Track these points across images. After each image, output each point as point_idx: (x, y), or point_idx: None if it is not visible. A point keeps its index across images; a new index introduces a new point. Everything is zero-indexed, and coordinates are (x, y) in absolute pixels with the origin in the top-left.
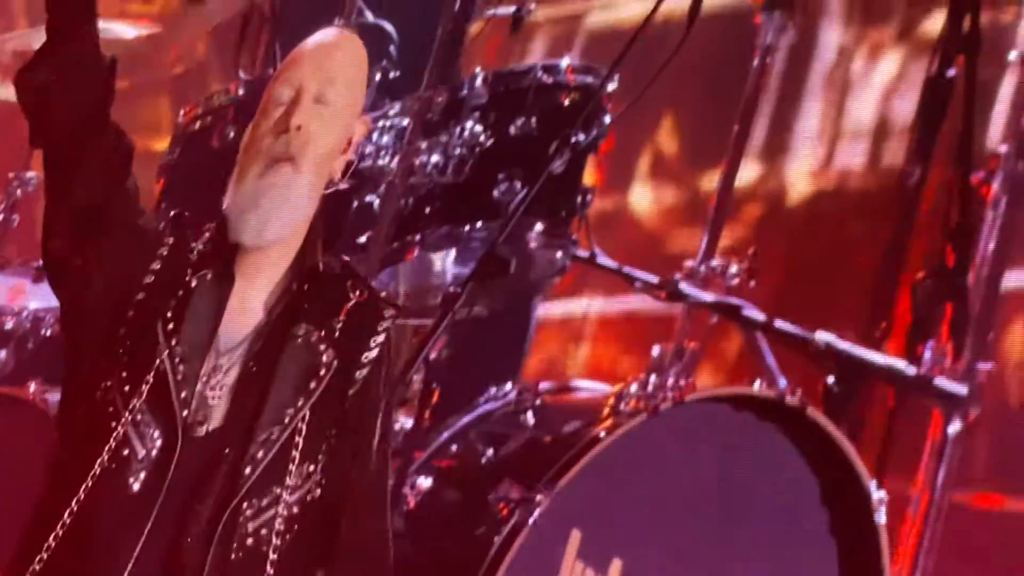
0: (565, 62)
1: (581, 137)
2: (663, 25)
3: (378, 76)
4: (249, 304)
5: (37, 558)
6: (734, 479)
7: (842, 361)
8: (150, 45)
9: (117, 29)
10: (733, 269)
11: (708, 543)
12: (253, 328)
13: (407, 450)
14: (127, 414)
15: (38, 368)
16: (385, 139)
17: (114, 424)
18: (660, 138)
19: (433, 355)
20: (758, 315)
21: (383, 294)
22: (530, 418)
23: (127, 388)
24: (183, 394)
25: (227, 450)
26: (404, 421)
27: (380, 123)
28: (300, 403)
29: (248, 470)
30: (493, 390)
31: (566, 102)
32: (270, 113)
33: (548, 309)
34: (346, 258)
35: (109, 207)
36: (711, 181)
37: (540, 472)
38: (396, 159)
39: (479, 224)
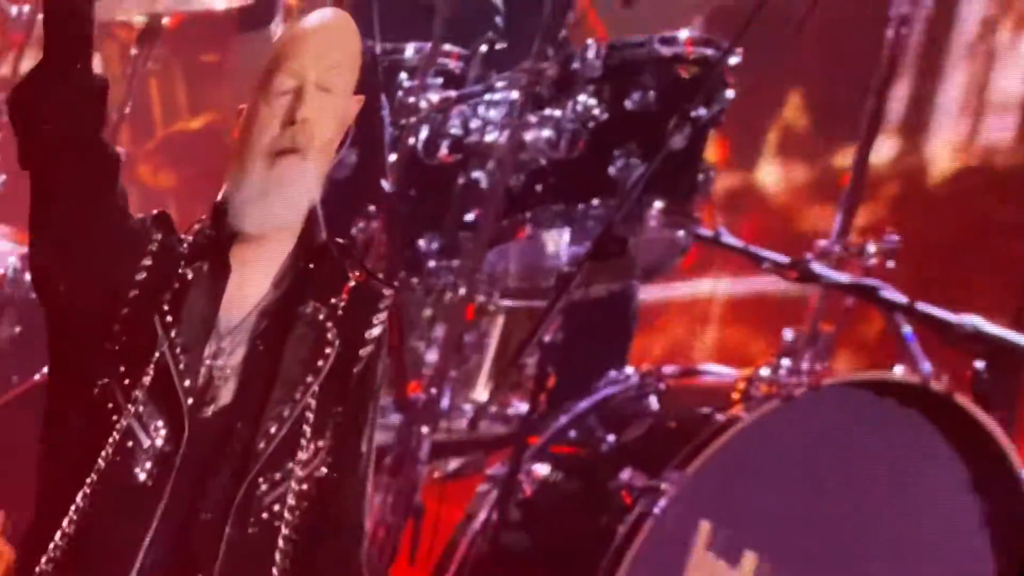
0: (684, 34)
1: (702, 112)
2: None
3: (483, 47)
4: (249, 288)
5: (45, 556)
6: (875, 468)
7: (992, 345)
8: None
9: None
10: (870, 249)
11: (848, 536)
12: (255, 309)
13: (522, 437)
14: (129, 406)
15: None
16: (492, 113)
17: (115, 418)
18: (788, 113)
19: (547, 338)
20: (898, 297)
21: (379, 275)
22: (654, 403)
23: (127, 382)
24: (187, 383)
25: (239, 425)
26: (518, 406)
27: (487, 96)
28: (309, 380)
29: (262, 444)
30: (613, 373)
31: (685, 75)
32: (272, 102)
33: (672, 290)
34: (341, 240)
35: (95, 220)
36: (844, 157)
37: (666, 459)
38: (504, 134)
39: (595, 202)
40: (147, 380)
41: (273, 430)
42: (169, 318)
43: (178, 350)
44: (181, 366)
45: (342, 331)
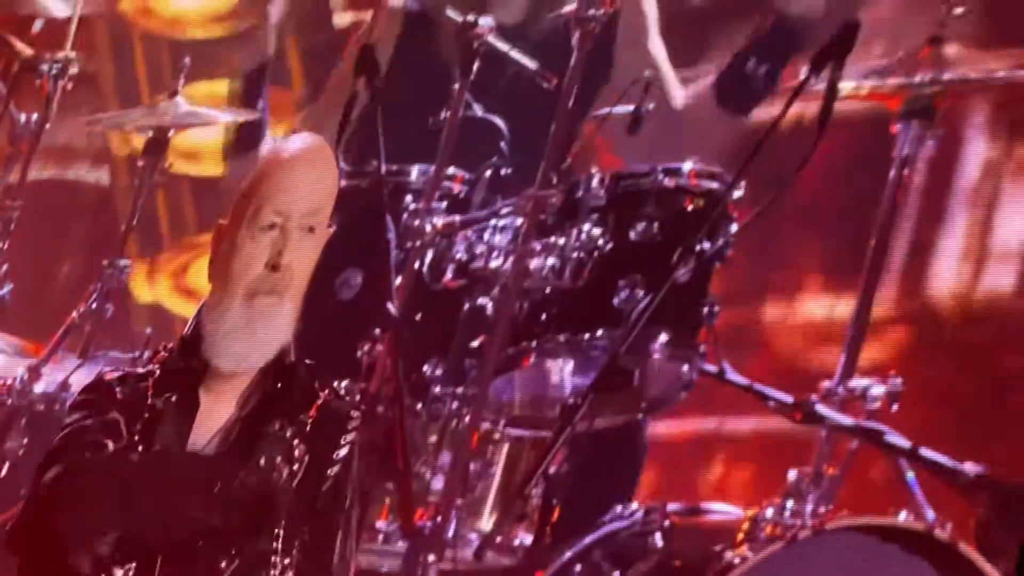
0: (688, 165)
1: (707, 245)
2: (794, 129)
3: (488, 173)
4: (216, 411)
5: None
6: None
7: (999, 495)
8: None
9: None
10: (874, 392)
11: None
12: (219, 430)
13: (527, 569)
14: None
15: None
16: (497, 239)
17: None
18: (791, 250)
19: (552, 469)
20: (902, 441)
21: (347, 397)
22: (658, 540)
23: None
24: None
25: (201, 545)
26: (523, 538)
27: (492, 222)
28: None
29: (224, 563)
30: (618, 509)
31: (690, 207)
32: (256, 237)
33: (676, 427)
34: (309, 361)
35: None
36: (849, 298)
37: None
38: (509, 260)
39: (599, 332)
40: None
41: (235, 549)
42: (140, 448)
43: None
44: None
45: (311, 449)
